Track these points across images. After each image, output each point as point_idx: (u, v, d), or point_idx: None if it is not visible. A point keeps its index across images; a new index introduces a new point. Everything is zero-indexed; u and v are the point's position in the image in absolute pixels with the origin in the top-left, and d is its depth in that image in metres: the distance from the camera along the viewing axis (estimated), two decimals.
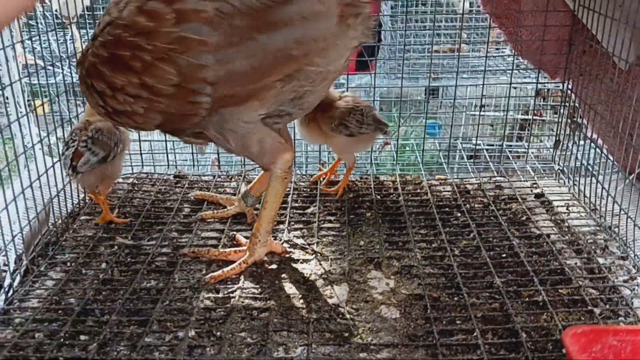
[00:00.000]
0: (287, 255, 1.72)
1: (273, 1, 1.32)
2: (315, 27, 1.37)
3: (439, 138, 3.91)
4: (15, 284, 1.59)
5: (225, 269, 1.62)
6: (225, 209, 1.97)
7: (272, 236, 1.73)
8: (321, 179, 2.23)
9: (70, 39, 2.29)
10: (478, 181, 2.24)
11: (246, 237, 1.78)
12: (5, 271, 1.59)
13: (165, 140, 2.36)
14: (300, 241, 1.81)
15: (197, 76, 1.35)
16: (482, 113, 3.84)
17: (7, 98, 1.98)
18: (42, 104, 2.02)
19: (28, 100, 2.61)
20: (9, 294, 1.54)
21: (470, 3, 3.69)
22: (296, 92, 1.47)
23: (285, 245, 1.77)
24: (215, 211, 1.97)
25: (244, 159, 2.45)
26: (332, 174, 2.24)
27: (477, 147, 3.02)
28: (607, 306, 1.48)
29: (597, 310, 1.45)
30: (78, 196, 2.04)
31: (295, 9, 1.34)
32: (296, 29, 1.36)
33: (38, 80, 2.08)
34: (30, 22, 2.44)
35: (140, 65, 1.36)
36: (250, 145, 1.52)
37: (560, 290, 1.54)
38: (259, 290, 1.56)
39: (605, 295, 1.53)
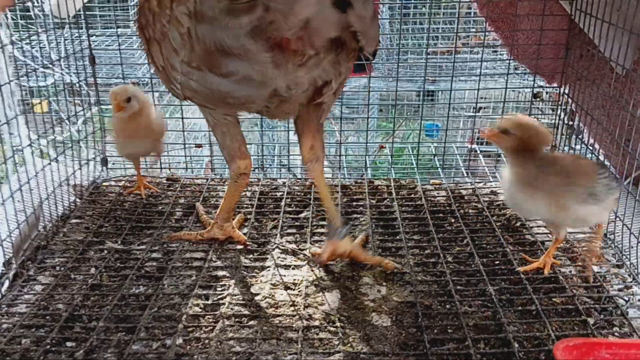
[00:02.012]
0: (279, 261, 1.71)
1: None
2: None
3: (437, 141, 3.88)
4: (4, 289, 1.57)
5: (183, 232, 1.83)
6: None
7: (265, 240, 1.82)
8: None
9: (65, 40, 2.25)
10: (473, 186, 2.22)
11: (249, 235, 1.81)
12: None
13: None
14: (292, 246, 1.79)
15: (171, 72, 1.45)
16: (479, 115, 3.84)
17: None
18: (33, 106, 1.99)
19: (25, 101, 2.58)
20: None
21: (468, 5, 3.67)
22: None
23: (277, 250, 1.76)
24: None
25: None
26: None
27: (473, 151, 3.00)
28: (602, 316, 1.46)
29: (591, 320, 1.43)
30: (69, 199, 2.02)
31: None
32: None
33: (28, 82, 2.06)
34: (23, 22, 2.42)
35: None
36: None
37: (554, 299, 1.52)
38: (249, 297, 1.54)
39: (600, 304, 1.51)
